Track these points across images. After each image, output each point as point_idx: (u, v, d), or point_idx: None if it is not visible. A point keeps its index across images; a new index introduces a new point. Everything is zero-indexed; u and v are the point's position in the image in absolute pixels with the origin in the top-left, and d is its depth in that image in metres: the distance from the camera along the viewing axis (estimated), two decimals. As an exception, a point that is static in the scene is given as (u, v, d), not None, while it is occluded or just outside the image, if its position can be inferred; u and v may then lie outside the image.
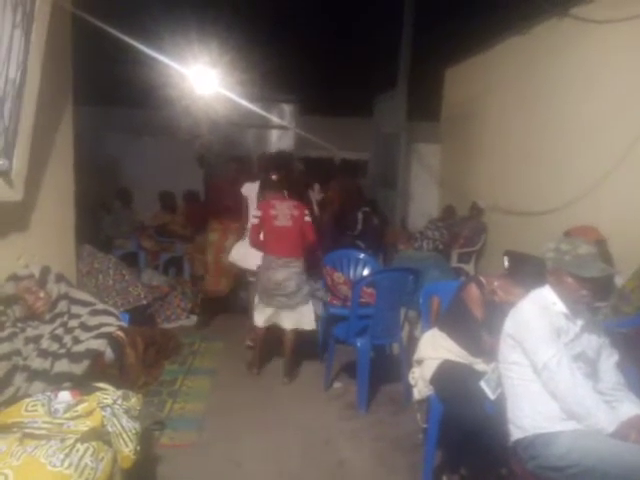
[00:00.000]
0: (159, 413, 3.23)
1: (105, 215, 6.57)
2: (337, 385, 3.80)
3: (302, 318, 3.75)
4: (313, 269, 4.05)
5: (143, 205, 6.84)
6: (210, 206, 5.35)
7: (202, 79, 5.88)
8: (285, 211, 3.73)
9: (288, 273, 3.63)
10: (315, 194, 6.23)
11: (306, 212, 3.84)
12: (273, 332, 3.91)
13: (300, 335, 3.83)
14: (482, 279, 2.78)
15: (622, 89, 4.13)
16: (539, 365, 2.01)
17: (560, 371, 1.97)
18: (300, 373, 4.01)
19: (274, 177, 4.07)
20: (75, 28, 3.53)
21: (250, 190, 4.48)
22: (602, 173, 4.24)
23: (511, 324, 2.16)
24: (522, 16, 5.33)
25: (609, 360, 2.17)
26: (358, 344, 3.46)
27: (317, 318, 3.83)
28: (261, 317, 3.79)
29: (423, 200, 7.91)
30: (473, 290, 2.72)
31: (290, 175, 4.90)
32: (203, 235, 5.28)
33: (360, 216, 5.89)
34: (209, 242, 5.16)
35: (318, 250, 4.18)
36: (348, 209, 6.20)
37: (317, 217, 5.62)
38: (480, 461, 2.56)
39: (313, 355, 4.23)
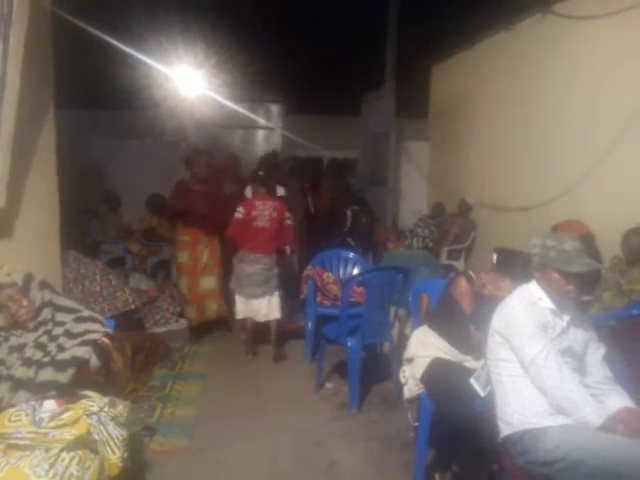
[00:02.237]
0: (149, 419, 3.19)
1: (91, 220, 6.51)
2: (328, 386, 3.79)
3: (269, 308, 4.09)
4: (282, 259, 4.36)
5: (130, 209, 6.77)
6: (171, 213, 4.54)
7: (187, 80, 5.85)
8: (265, 212, 4.00)
9: (258, 267, 3.99)
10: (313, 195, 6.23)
11: (287, 214, 4.11)
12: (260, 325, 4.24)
13: (281, 323, 4.21)
14: (471, 273, 2.79)
15: (606, 84, 4.16)
16: (526, 361, 2.01)
17: (547, 366, 1.97)
18: (291, 374, 4.00)
19: (261, 174, 4.25)
20: (57, 30, 3.47)
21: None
22: (586, 168, 4.27)
23: (498, 320, 2.17)
24: (507, 12, 5.36)
25: (596, 354, 2.18)
26: (349, 344, 3.45)
27: (282, 308, 4.23)
28: (242, 311, 4.13)
29: (413, 198, 7.92)
30: (463, 284, 2.73)
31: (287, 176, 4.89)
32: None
33: (349, 214, 5.91)
34: (178, 264, 4.44)
35: (293, 247, 4.42)
36: (337, 208, 6.22)
37: (312, 216, 5.65)
38: (472, 458, 2.56)
39: (303, 356, 4.23)
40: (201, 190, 4.30)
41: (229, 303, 4.48)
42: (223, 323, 4.69)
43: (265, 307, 4.09)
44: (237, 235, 4.02)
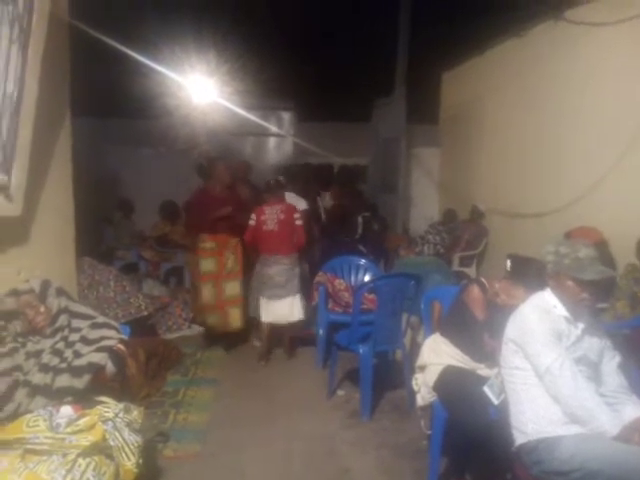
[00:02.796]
0: (162, 424, 3.21)
1: (106, 226, 6.58)
2: (340, 393, 3.79)
3: (292, 309, 4.21)
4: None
5: (144, 215, 6.84)
6: (194, 220, 4.46)
7: (200, 88, 5.91)
8: (273, 216, 4.19)
9: (278, 268, 4.15)
10: (326, 201, 6.28)
11: (296, 216, 4.25)
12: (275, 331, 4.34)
13: (295, 326, 4.32)
14: (484, 281, 2.78)
15: (619, 91, 4.14)
16: (541, 369, 2.00)
17: (562, 375, 1.96)
18: (302, 381, 4.01)
19: (271, 182, 4.36)
20: (73, 39, 3.55)
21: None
22: (600, 175, 4.24)
23: (512, 328, 2.16)
24: (518, 19, 5.35)
25: (611, 363, 2.16)
26: (360, 351, 3.44)
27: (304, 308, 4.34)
28: (266, 313, 4.21)
29: (424, 204, 7.90)
30: (475, 291, 2.72)
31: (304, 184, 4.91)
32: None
33: (360, 220, 5.92)
34: (202, 272, 4.30)
35: (307, 247, 4.59)
36: (348, 215, 6.24)
37: (324, 223, 5.68)
38: (485, 467, 2.55)
39: (315, 363, 4.24)
40: (224, 196, 4.34)
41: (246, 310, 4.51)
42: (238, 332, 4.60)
43: (287, 308, 4.20)
44: (252, 241, 4.21)
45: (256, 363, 4.27)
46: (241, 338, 4.68)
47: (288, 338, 4.36)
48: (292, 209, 4.27)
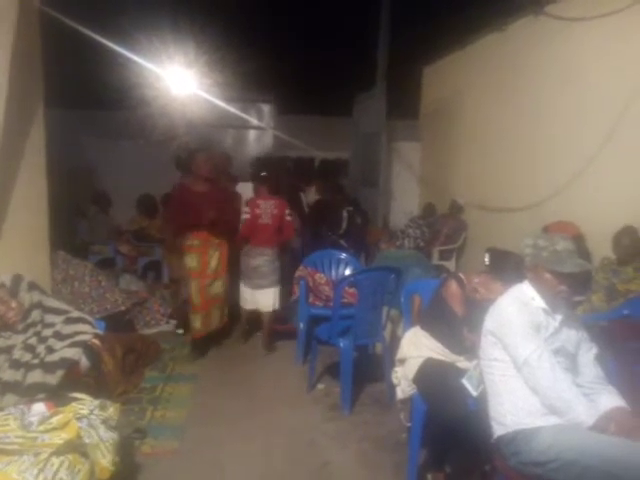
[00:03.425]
0: (139, 421, 3.16)
1: (80, 220, 6.44)
2: (320, 387, 3.78)
3: (273, 299, 4.36)
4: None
5: (121, 209, 6.71)
6: (174, 219, 4.19)
7: (178, 80, 5.82)
8: (267, 210, 4.29)
9: (261, 260, 4.28)
10: (310, 196, 6.25)
11: (287, 211, 4.38)
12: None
13: (274, 315, 4.44)
14: (462, 276, 2.79)
15: (596, 86, 4.19)
16: (520, 361, 2.02)
17: (541, 366, 1.98)
18: (282, 375, 3.99)
19: (264, 174, 4.45)
20: (46, 29, 3.43)
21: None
22: (577, 169, 4.30)
23: (491, 320, 2.17)
24: (499, 13, 5.39)
25: (588, 354, 2.19)
26: (341, 345, 3.44)
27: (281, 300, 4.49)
28: (249, 302, 4.38)
29: (404, 198, 7.94)
30: (453, 287, 2.73)
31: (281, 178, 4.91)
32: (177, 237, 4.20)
33: (345, 215, 5.92)
34: (187, 268, 4.11)
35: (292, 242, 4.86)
36: (330, 209, 6.21)
37: (306, 217, 5.66)
38: (464, 458, 2.56)
39: (295, 357, 4.23)
40: (204, 190, 4.07)
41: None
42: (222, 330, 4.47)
43: (270, 298, 4.34)
44: (249, 234, 4.29)
45: (235, 358, 4.24)
46: (220, 334, 4.56)
47: (266, 330, 4.41)
48: (284, 205, 4.39)
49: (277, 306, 4.39)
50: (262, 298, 4.33)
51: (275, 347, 4.46)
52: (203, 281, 4.13)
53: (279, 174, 5.31)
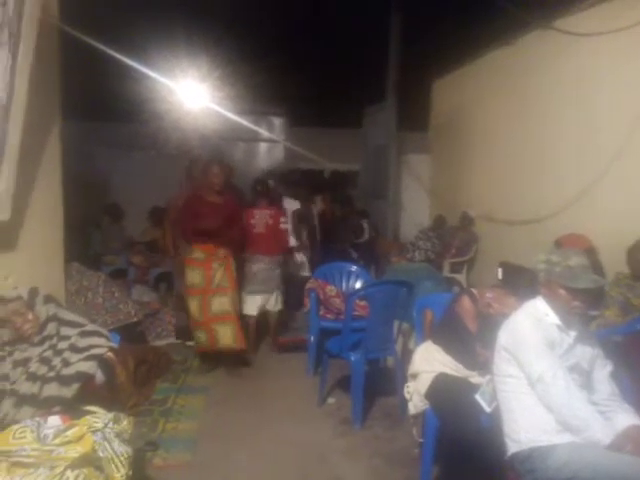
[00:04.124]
0: (151, 433, 3.17)
1: (94, 231, 6.51)
2: (331, 401, 3.76)
3: (271, 301, 4.64)
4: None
5: (134, 220, 6.78)
6: (182, 227, 4.13)
7: (191, 93, 5.88)
8: (261, 220, 4.59)
9: (259, 266, 4.54)
10: (317, 206, 6.29)
11: (281, 220, 4.68)
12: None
13: (281, 315, 4.80)
14: (474, 291, 2.78)
15: (607, 100, 4.19)
16: (534, 377, 2.00)
17: (555, 383, 1.96)
18: (293, 388, 3.98)
19: (259, 188, 4.73)
20: (63, 43, 3.51)
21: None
22: (587, 183, 4.29)
23: (505, 337, 2.16)
24: (508, 28, 5.41)
25: (603, 371, 2.17)
26: (352, 358, 3.43)
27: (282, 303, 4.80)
28: (251, 306, 4.55)
29: (414, 210, 7.93)
30: (466, 303, 2.73)
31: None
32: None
33: (366, 225, 6.03)
34: (188, 284, 3.97)
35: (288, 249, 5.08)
36: (339, 220, 6.25)
37: (314, 228, 5.71)
38: (477, 475, 2.54)
39: (306, 370, 4.22)
40: (216, 202, 4.00)
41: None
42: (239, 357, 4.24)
43: (273, 299, 4.65)
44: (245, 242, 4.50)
45: (246, 370, 4.24)
46: (245, 365, 4.33)
47: (273, 329, 4.70)
48: (279, 214, 4.69)
49: (280, 306, 4.68)
50: (259, 300, 4.57)
51: (285, 346, 4.65)
52: (205, 297, 3.97)
53: (276, 187, 5.47)
